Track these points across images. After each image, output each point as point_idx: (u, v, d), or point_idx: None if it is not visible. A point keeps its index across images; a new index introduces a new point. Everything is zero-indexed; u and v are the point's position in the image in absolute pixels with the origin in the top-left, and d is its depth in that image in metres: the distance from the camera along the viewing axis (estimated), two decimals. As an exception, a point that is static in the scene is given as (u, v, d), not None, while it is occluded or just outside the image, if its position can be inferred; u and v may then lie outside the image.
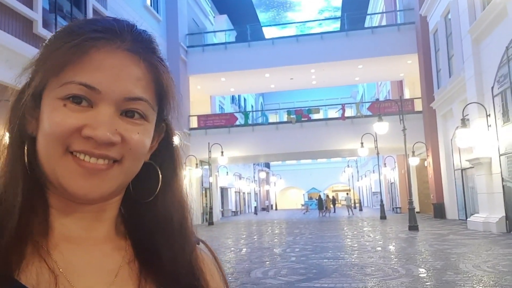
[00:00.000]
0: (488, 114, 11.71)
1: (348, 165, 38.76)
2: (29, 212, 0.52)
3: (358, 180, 45.04)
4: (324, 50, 20.65)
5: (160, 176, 0.60)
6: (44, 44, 0.56)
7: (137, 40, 0.55)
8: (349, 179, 45.26)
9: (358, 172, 43.02)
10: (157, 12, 17.75)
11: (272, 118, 28.79)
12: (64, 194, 0.53)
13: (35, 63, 0.55)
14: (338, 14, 38.76)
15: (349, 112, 22.29)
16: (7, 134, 0.55)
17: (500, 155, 11.14)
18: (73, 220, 0.55)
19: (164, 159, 0.61)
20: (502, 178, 11.07)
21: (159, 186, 0.59)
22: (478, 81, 12.50)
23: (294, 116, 20.48)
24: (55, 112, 0.51)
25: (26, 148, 0.54)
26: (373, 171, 34.59)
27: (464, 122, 11.56)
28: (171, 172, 0.61)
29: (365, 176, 43.31)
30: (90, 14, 10.88)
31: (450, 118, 16.85)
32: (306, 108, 21.62)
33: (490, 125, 11.61)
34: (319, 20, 38.82)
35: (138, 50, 0.54)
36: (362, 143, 18.94)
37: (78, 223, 0.55)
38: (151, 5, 17.09)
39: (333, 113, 26.04)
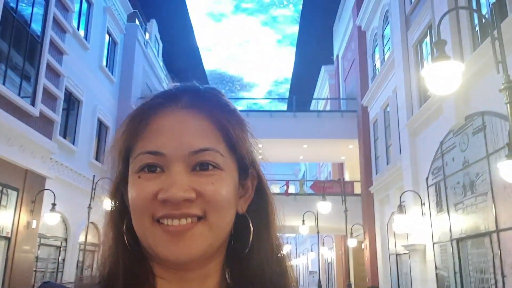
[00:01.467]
0: (423, 202, 12.41)
1: (287, 242, 38.62)
2: (136, 284, 0.52)
3: (295, 258, 44.69)
4: (272, 127, 21.39)
5: (251, 227, 0.57)
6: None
7: (194, 96, 0.56)
8: (286, 257, 44.81)
9: (296, 250, 42.84)
10: (112, 74, 17.77)
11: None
12: (162, 262, 0.52)
13: (112, 148, 0.56)
14: (286, 96, 40.90)
15: (291, 189, 22.71)
16: (110, 218, 0.56)
17: (434, 243, 11.67)
18: None
19: (257, 209, 0.59)
20: (436, 266, 11.51)
21: (250, 239, 0.57)
22: (414, 171, 13.37)
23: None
24: (133, 186, 0.53)
25: (125, 226, 0.55)
26: (311, 249, 34.66)
27: (401, 208, 12.14)
28: (263, 223, 0.59)
29: (303, 254, 43.21)
30: (43, 70, 10.66)
31: (387, 203, 17.62)
32: (251, 182, 21.79)
33: (424, 213, 12.26)
34: (269, 98, 40.68)
35: (194, 105, 0.55)
36: (303, 221, 19.13)
37: None
38: (106, 65, 17.13)
39: (276, 188, 26.39)
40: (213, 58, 39.29)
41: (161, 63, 25.86)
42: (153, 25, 24.22)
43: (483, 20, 7.71)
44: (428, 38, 12.71)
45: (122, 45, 19.03)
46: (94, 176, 11.29)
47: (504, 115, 7.80)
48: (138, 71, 20.11)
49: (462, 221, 10.07)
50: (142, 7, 22.27)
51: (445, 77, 4.02)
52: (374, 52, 19.85)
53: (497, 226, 8.38)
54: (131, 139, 0.54)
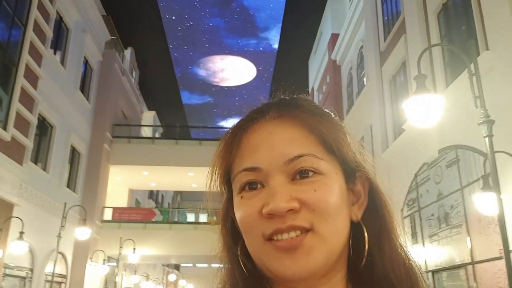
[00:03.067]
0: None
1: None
2: None
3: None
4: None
5: (366, 235, 0.54)
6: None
7: (281, 107, 0.56)
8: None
9: None
10: (87, 100, 17.55)
11: (190, 217, 28.16)
12: (282, 283, 0.50)
13: (213, 174, 0.57)
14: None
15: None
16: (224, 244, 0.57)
17: (409, 275, 11.69)
18: None
19: (374, 214, 0.56)
20: (411, 298, 11.48)
21: (366, 248, 0.53)
22: (389, 202, 13.51)
23: (215, 217, 20.27)
24: (238, 208, 0.52)
25: (239, 250, 0.55)
26: None
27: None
28: (382, 229, 0.55)
29: None
30: (17, 94, 10.38)
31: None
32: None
33: (400, 245, 12.34)
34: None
35: (283, 114, 0.54)
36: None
37: None
38: (82, 91, 16.91)
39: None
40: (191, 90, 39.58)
41: (138, 91, 25.75)
42: (130, 52, 24.23)
43: (460, 55, 8.05)
44: (402, 73, 13.15)
45: (99, 71, 18.90)
46: (65, 203, 10.90)
47: (476, 148, 8.05)
48: (114, 98, 19.94)
49: (437, 253, 10.16)
50: (120, 34, 22.30)
51: (426, 110, 4.13)
52: (348, 85, 20.37)
53: (472, 258, 8.48)
54: (228, 161, 0.55)
